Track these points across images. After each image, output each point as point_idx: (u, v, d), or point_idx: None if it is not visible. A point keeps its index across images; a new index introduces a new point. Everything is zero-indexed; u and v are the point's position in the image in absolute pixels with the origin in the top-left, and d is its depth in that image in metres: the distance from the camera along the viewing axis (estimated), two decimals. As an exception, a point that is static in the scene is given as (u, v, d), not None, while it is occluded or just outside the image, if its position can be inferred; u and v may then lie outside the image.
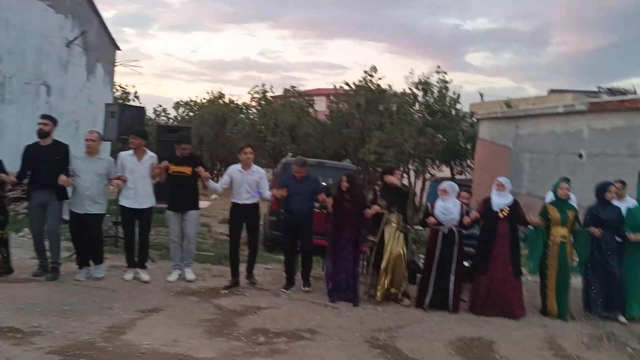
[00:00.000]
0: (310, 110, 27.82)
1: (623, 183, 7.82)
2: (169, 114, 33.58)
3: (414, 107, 23.25)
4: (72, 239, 6.60)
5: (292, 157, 10.79)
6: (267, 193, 7.11)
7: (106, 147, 10.08)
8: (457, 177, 24.09)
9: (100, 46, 17.61)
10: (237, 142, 21.55)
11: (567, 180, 7.11)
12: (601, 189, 6.92)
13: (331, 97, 27.90)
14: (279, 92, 30.97)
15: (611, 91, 22.04)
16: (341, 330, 5.59)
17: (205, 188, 8.18)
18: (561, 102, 16.00)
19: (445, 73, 23.23)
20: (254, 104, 28.62)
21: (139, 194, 6.68)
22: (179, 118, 32.61)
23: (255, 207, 7.09)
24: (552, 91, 25.40)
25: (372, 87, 25.12)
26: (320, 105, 31.97)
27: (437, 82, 23.16)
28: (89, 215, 6.33)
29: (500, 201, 6.66)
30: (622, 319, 6.70)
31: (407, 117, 21.90)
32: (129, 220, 6.80)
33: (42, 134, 6.36)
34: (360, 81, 25.49)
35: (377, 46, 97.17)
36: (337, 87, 26.78)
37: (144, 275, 6.68)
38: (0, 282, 6.15)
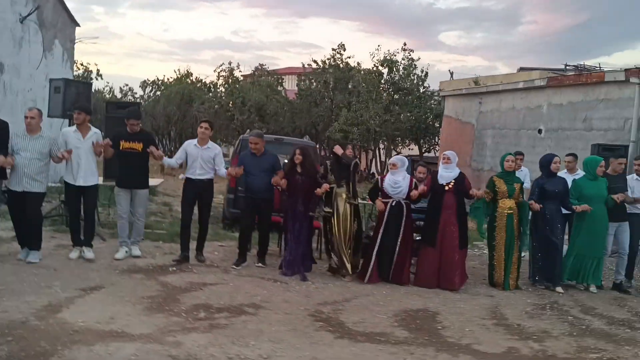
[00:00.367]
0: (280, 88, 27.57)
1: (574, 156, 7.94)
2: (135, 93, 33.01)
3: (380, 85, 23.16)
4: (12, 219, 6.41)
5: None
6: (223, 170, 7.02)
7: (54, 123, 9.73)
8: (426, 154, 24.25)
9: (58, 22, 17.02)
10: (203, 121, 21.33)
11: (515, 153, 7.17)
12: (546, 162, 7.00)
13: (301, 76, 27.62)
14: (250, 71, 30.61)
15: (577, 68, 22.31)
16: (286, 305, 5.56)
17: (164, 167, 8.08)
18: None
19: (412, 51, 23.15)
20: (221, 82, 28.26)
21: (83, 171, 6.50)
22: (146, 97, 32.06)
23: (209, 183, 7.00)
24: (521, 69, 25.64)
25: (341, 65, 24.95)
26: (292, 84, 31.73)
27: (403, 59, 23.07)
28: (27, 193, 6.14)
29: (447, 174, 6.71)
30: (559, 289, 6.83)
31: (373, 95, 21.85)
32: (74, 197, 6.63)
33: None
34: (328, 59, 25.27)
35: (350, 25, 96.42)
36: (306, 65, 26.58)
37: (89, 253, 6.54)
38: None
